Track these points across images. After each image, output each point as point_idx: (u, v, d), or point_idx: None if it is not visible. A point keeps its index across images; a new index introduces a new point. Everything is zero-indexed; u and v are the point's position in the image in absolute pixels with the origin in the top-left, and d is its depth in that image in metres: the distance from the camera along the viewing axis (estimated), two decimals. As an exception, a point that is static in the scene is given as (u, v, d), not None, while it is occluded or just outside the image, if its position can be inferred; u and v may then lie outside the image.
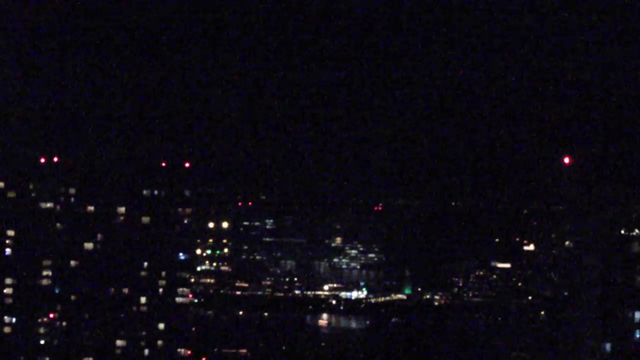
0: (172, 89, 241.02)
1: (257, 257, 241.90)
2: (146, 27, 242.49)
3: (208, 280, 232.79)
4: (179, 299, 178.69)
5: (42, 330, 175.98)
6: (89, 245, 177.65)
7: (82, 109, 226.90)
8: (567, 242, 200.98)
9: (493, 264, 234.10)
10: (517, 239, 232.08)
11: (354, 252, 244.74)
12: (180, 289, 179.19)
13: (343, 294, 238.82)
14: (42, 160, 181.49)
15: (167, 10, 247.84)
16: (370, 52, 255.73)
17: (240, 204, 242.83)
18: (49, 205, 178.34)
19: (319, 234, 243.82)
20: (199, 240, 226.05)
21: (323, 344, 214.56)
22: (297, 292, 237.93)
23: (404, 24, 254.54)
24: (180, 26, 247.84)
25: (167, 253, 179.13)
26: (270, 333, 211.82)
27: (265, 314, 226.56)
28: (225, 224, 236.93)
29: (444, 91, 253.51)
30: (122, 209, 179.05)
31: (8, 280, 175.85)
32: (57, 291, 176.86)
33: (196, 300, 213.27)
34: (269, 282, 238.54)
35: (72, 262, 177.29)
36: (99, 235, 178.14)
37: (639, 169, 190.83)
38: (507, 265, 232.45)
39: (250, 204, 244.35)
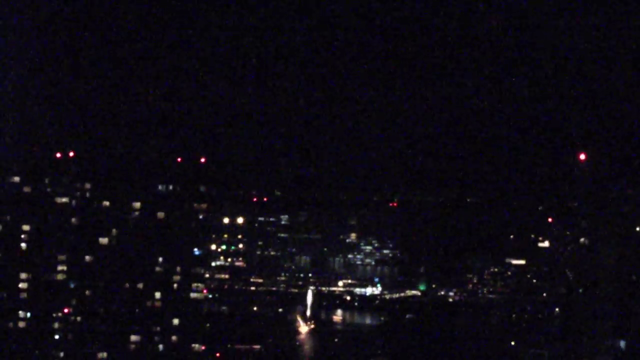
0: (189, 84, 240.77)
1: (272, 253, 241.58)
2: (163, 22, 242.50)
3: (222, 276, 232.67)
4: (193, 295, 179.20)
5: (56, 325, 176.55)
6: (104, 241, 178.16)
7: (98, 104, 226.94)
8: (582, 239, 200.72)
9: (508, 260, 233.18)
10: (532, 236, 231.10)
11: (368, 248, 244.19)
12: (195, 284, 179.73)
13: (357, 290, 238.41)
14: (58, 155, 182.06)
15: (186, 6, 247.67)
16: (385, 50, 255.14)
17: (255, 199, 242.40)
18: (64, 200, 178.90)
19: (334, 230, 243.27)
20: (213, 236, 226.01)
21: (337, 339, 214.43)
22: (311, 287, 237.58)
23: (425, 24, 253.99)
24: (196, 22, 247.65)
25: (181, 248, 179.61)
26: (284, 329, 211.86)
27: (280, 309, 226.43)
28: (240, 220, 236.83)
29: (459, 87, 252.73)
30: (137, 204, 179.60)
31: (23, 275, 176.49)
32: (71, 286, 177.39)
33: (210, 296, 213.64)
34: (283, 278, 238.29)
35: (87, 257, 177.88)
36: (114, 231, 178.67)
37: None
38: (522, 262, 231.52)
39: (265, 199, 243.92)
